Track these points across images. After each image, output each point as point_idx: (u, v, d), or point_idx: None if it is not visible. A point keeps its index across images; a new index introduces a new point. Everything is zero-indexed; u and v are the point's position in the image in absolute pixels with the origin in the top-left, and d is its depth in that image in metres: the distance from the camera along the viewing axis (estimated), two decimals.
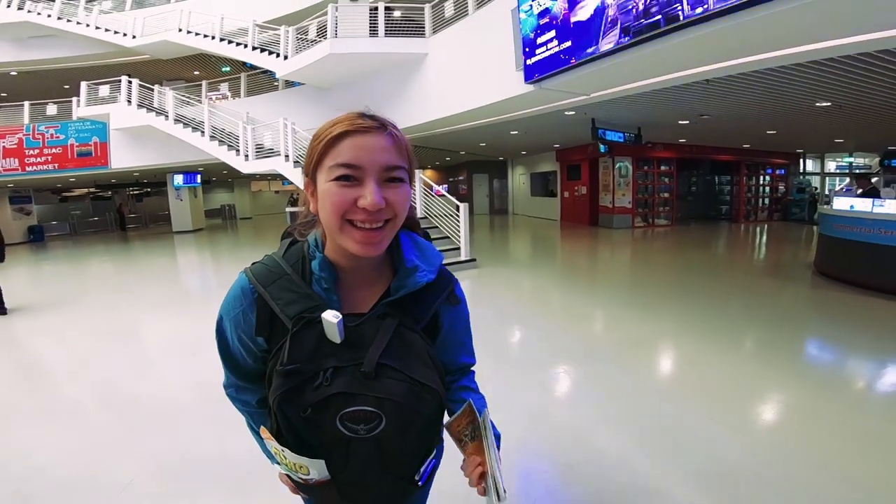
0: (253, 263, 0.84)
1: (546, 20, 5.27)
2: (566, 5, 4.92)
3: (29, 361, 4.39)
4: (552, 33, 5.18)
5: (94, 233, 21.01)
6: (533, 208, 18.21)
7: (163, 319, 5.66)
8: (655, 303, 5.64)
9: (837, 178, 16.80)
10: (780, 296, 5.82)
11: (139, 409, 3.20)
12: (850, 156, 16.24)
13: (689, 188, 16.30)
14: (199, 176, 17.03)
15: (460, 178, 21.20)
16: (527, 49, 5.63)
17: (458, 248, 8.09)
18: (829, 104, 6.80)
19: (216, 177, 22.58)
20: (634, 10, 4.04)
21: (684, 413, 2.93)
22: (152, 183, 23.79)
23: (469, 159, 19.39)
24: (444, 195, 8.86)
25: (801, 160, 16.64)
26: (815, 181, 16.62)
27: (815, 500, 2.08)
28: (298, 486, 0.85)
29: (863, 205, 5.77)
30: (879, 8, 3.00)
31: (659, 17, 3.81)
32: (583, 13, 4.75)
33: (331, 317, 0.72)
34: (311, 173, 0.77)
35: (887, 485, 2.17)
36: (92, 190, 24.23)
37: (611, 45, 4.39)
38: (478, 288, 6.60)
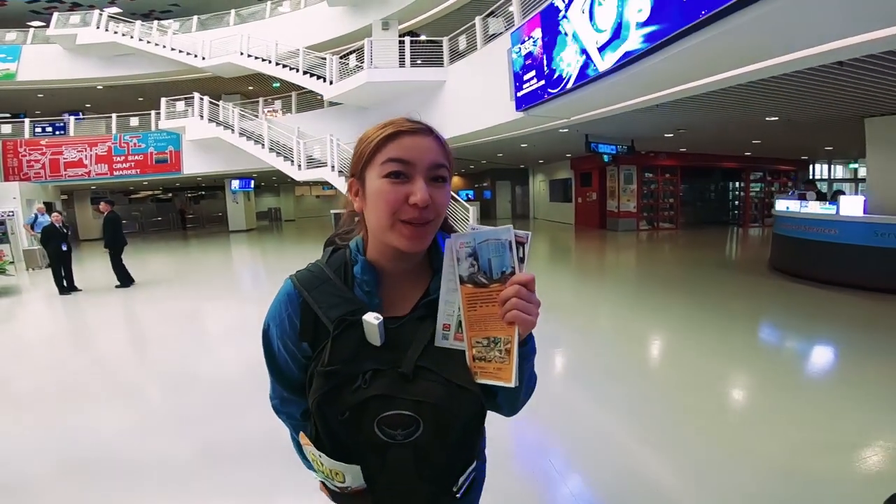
0: (298, 270, 0.85)
1: (529, 61, 6.84)
2: (542, 51, 6.48)
3: (142, 327, 6.32)
4: (533, 72, 6.74)
5: (157, 231, 23.76)
6: (551, 213, 19.58)
7: (240, 302, 7.58)
8: (619, 284, 7.10)
9: (845, 184, 17.44)
10: (728, 285, 7.12)
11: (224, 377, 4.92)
12: (856, 161, 16.89)
13: (698, 194, 17.30)
14: (252, 182, 19.30)
15: (485, 184, 22.80)
16: (516, 83, 7.22)
17: None
18: (777, 118, 8.05)
19: (265, 182, 25.00)
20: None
21: (592, 346, 4.45)
22: (208, 187, 26.49)
23: (492, 167, 20.97)
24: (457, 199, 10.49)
25: (810, 166, 17.38)
26: (824, 187, 17.32)
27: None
28: (333, 496, 0.83)
29: (794, 205, 7.03)
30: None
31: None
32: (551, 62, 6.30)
33: (371, 318, 0.72)
34: (358, 172, 0.78)
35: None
36: (153, 193, 27.13)
37: (570, 85, 5.94)
38: None
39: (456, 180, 23.76)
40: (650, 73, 4.69)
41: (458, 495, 0.81)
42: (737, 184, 16.99)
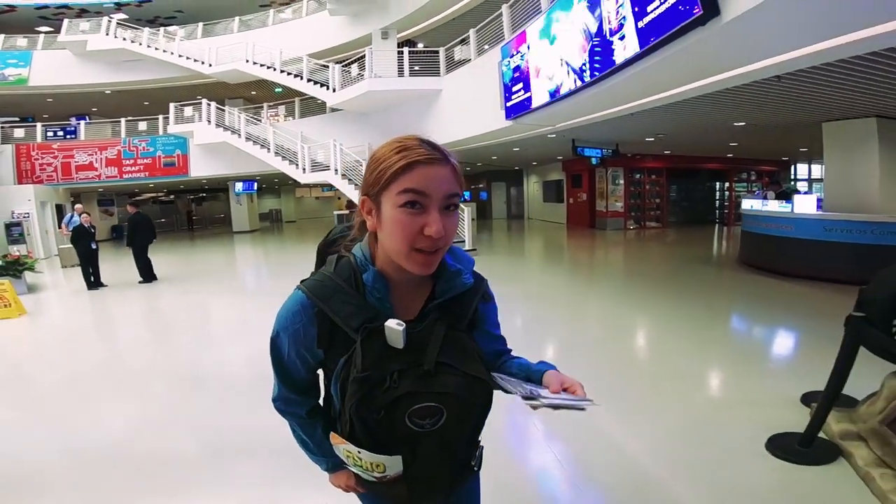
0: (303, 281, 0.91)
1: (517, 74, 7.54)
2: (527, 66, 7.17)
3: (166, 318, 6.98)
4: (521, 84, 7.44)
5: (163, 232, 24.35)
6: (545, 213, 20.29)
7: (257, 295, 8.23)
8: (599, 276, 7.81)
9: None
10: (698, 277, 7.82)
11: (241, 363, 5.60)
12: None
13: (685, 194, 17.99)
14: (255, 184, 19.95)
15: (481, 185, 23.51)
16: (506, 94, 7.91)
17: (464, 241, 10.39)
18: (743, 123, 8.77)
19: (267, 184, 25.63)
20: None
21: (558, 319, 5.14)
22: (210, 189, 27.10)
23: (488, 169, 21.66)
24: None
25: (792, 166, 18.14)
26: (805, 186, 18.08)
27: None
28: (369, 485, 0.94)
29: (757, 204, 7.74)
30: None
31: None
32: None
33: (395, 325, 0.79)
34: (373, 194, 0.82)
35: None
36: (156, 195, 27.72)
37: (547, 99, 6.65)
38: (479, 265, 8.94)
39: None
40: (610, 92, 5.47)
41: (475, 468, 0.98)
42: (722, 184, 17.72)
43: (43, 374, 4.28)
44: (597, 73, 5.26)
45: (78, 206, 12.51)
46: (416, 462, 0.85)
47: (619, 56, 4.77)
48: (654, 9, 4.04)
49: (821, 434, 2.43)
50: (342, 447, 0.87)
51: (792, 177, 18.23)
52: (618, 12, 4.69)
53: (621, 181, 15.02)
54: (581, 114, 7.56)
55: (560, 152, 14.50)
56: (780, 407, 2.98)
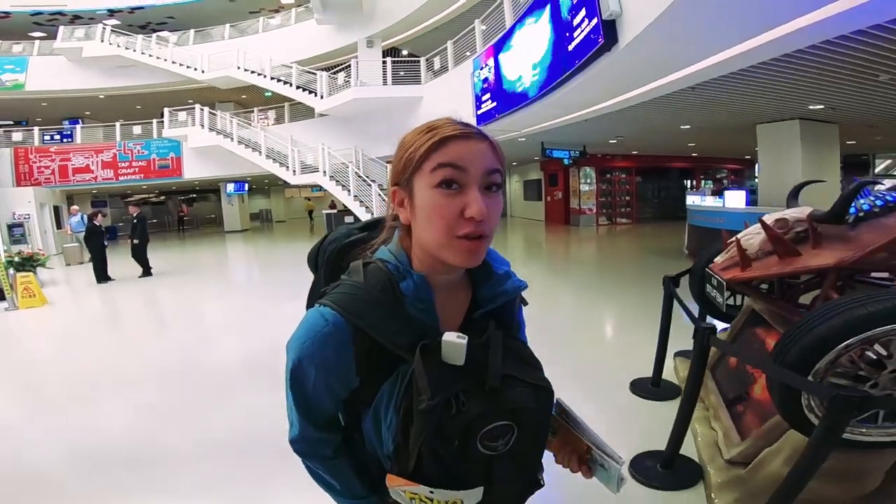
0: (323, 294, 0.76)
1: (486, 85, 8.48)
2: (494, 79, 8.11)
3: (171, 308, 7.82)
4: (489, 95, 8.37)
5: (154, 233, 24.95)
6: (525, 211, 21.30)
7: (251, 287, 9.08)
8: (559, 263, 8.78)
9: None
10: (646, 265, 8.82)
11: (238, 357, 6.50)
12: None
13: (656, 192, 19.07)
14: (246, 185, 20.69)
15: None
16: (477, 103, 8.84)
17: None
18: (689, 126, 9.82)
19: (257, 185, 26.33)
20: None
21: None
22: (201, 190, 27.72)
23: None
24: None
25: (756, 164, 19.30)
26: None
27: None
28: None
29: (697, 200, 8.77)
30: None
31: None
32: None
33: (455, 338, 0.68)
34: (404, 181, 0.73)
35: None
36: (147, 196, 28.26)
37: (507, 109, 7.61)
38: None
39: None
40: (557, 104, 6.47)
41: (542, 483, 0.84)
42: (690, 182, 18.84)
43: (75, 353, 5.11)
44: (541, 90, 6.23)
45: (74, 207, 13.22)
46: (491, 490, 0.74)
47: (553, 77, 5.76)
48: (577, 37, 5.01)
49: (673, 379, 3.36)
50: (405, 489, 0.73)
51: (757, 174, 19.39)
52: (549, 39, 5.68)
53: (593, 180, 16.06)
54: (534, 123, 8.57)
55: (533, 155, 15.49)
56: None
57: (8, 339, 5.79)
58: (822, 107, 7.39)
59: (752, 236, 2.37)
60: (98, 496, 2.41)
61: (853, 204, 2.20)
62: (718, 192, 9.31)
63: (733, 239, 2.49)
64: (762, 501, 1.84)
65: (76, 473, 2.64)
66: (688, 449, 2.41)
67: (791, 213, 2.29)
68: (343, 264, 0.86)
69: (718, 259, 2.58)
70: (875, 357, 1.55)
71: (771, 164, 8.81)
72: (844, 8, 3.11)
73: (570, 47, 5.26)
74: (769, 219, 2.32)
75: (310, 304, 0.86)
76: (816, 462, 1.42)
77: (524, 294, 0.91)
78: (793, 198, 2.69)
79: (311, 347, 0.72)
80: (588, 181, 16.04)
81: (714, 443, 2.46)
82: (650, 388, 3.30)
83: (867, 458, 1.72)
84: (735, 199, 7.87)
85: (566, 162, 14.34)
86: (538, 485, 0.84)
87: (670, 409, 2.74)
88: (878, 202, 2.14)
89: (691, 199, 9.20)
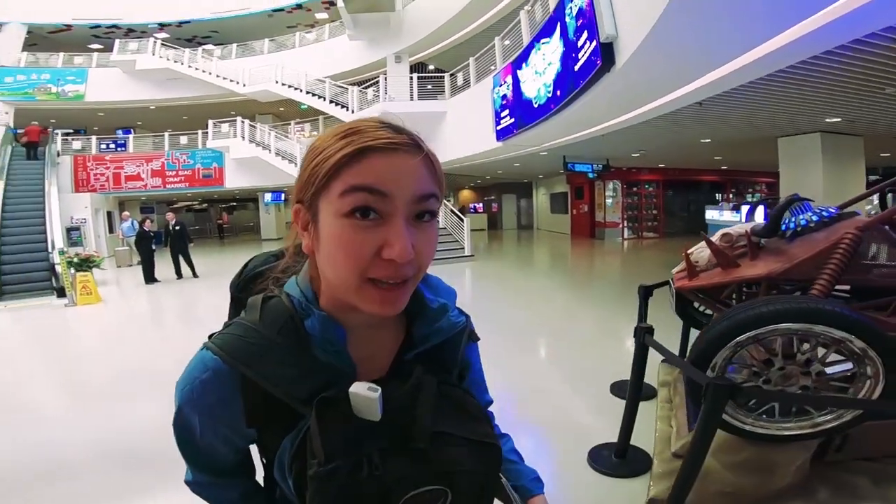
0: (212, 336, 0.63)
1: (504, 101, 8.79)
2: (512, 95, 8.42)
3: (213, 304, 8.44)
4: (507, 111, 8.68)
5: (196, 238, 26.37)
6: (552, 224, 21.37)
7: None
8: (566, 274, 8.94)
9: None
10: (658, 275, 8.85)
11: None
12: None
13: (684, 205, 18.80)
14: (283, 195, 21.65)
15: (491, 197, 24.78)
16: (496, 119, 9.16)
17: (463, 248, 11.67)
18: (709, 140, 9.81)
19: (292, 195, 27.43)
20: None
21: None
22: (241, 199, 29.09)
23: (498, 181, 22.89)
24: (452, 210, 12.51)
25: None
26: None
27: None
28: None
29: (716, 214, 8.77)
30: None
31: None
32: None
33: (365, 390, 0.55)
34: (307, 199, 0.58)
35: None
36: (190, 204, 29.85)
37: (524, 125, 7.89)
38: (473, 269, 10.24)
39: (466, 193, 25.78)
40: (566, 122, 6.74)
41: None
42: (722, 195, 18.49)
43: (125, 347, 5.71)
44: (553, 107, 6.50)
45: (125, 213, 14.28)
46: None
47: (563, 95, 6.03)
48: (581, 57, 5.28)
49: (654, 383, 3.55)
50: None
51: None
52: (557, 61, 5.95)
53: (618, 193, 16.06)
54: (551, 138, 8.81)
55: (555, 168, 15.66)
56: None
57: (68, 332, 6.54)
58: (838, 120, 7.35)
59: (703, 249, 2.59)
60: (126, 485, 2.62)
61: (793, 219, 2.40)
62: (738, 207, 9.27)
63: (686, 252, 2.71)
64: (694, 493, 2.06)
65: (121, 459, 2.89)
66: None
67: (735, 229, 2.50)
68: (241, 303, 0.72)
69: (674, 270, 2.80)
70: (767, 356, 1.76)
71: (792, 178, 8.75)
72: (817, 26, 3.27)
73: (576, 67, 5.53)
74: (717, 235, 2.54)
75: None
76: (705, 443, 1.64)
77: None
78: (753, 214, 2.86)
79: (191, 394, 0.60)
80: (613, 194, 16.05)
81: (668, 438, 2.66)
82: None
83: (774, 452, 1.91)
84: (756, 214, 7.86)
85: (590, 175, 14.44)
86: None
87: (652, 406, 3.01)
88: (815, 218, 2.34)
89: (711, 214, 9.19)
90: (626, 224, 16.36)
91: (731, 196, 17.71)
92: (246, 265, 0.83)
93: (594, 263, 11.45)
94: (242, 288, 0.79)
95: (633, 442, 2.64)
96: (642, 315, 3.39)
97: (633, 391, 2.35)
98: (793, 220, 2.39)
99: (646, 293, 3.39)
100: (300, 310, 0.61)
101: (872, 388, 1.62)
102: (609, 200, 16.00)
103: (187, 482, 0.71)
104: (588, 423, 3.15)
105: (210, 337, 0.63)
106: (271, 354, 0.59)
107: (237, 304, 0.79)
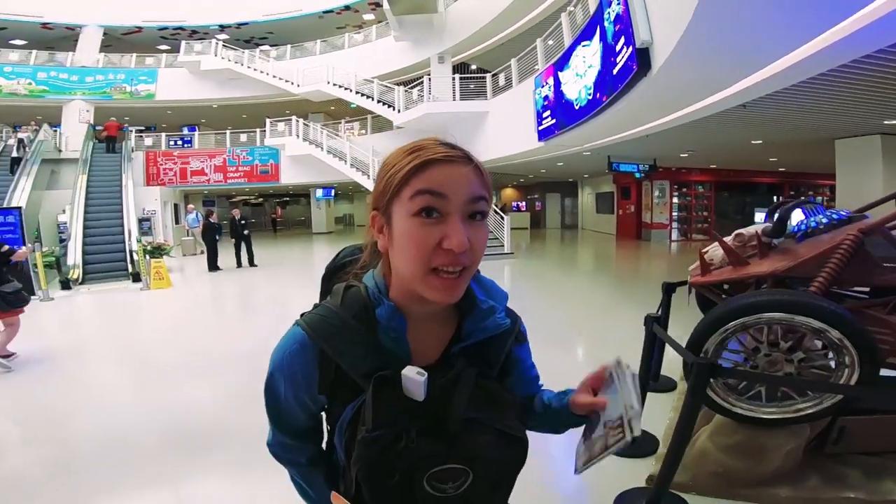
0: (303, 314, 0.78)
1: (546, 102, 8.92)
2: (553, 96, 8.54)
3: (272, 290, 9.10)
4: (549, 112, 8.81)
5: (252, 232, 27.87)
6: (597, 224, 21.10)
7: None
8: (608, 275, 8.98)
9: None
10: None
11: None
12: None
13: (739, 207, 18.03)
14: (333, 191, 22.54)
15: (535, 196, 24.74)
16: (538, 119, 9.30)
17: (503, 245, 11.86)
18: (761, 141, 9.50)
19: (342, 191, 28.47)
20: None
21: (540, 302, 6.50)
22: (294, 194, 30.45)
23: (542, 180, 22.82)
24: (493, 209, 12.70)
25: None
26: None
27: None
28: None
29: (761, 217, 8.54)
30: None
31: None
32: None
33: (415, 374, 0.66)
34: (383, 206, 0.70)
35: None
36: (246, 198, 31.49)
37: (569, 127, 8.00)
38: (512, 266, 10.44)
39: (509, 192, 25.84)
40: (605, 124, 6.85)
41: None
42: (778, 198, 17.69)
43: (195, 327, 6.42)
44: (593, 109, 6.60)
45: (190, 206, 15.43)
46: None
47: (602, 98, 6.14)
48: (618, 62, 5.39)
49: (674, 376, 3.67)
50: None
51: None
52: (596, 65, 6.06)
53: (665, 193, 15.71)
54: (592, 139, 8.86)
55: (605, 167, 15.51)
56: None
57: (144, 313, 7.37)
58: None
59: (718, 249, 2.73)
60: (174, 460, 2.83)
61: (804, 221, 2.52)
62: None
63: (701, 251, 2.86)
64: (690, 472, 2.25)
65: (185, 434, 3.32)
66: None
67: (748, 230, 2.63)
68: (331, 285, 0.87)
69: (690, 268, 2.95)
70: (755, 343, 1.93)
71: (849, 180, 8.39)
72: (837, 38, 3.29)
73: (615, 71, 5.64)
74: (730, 237, 2.68)
75: None
76: (691, 418, 1.84)
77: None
78: (771, 215, 2.96)
79: (282, 362, 0.74)
80: (661, 195, 15.73)
81: None
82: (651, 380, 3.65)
83: (764, 437, 2.07)
84: (798, 217, 7.61)
85: (637, 175, 14.24)
86: None
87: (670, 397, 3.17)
88: (825, 220, 2.45)
89: (759, 216, 8.94)
90: (674, 225, 15.97)
91: (787, 198, 16.91)
92: (340, 252, 0.98)
93: (638, 265, 11.35)
94: (332, 272, 0.95)
95: (644, 428, 2.83)
96: (664, 309, 3.55)
97: (642, 376, 2.54)
98: (804, 222, 2.50)
99: (668, 289, 3.52)
100: (373, 299, 0.73)
101: (849, 377, 1.76)
102: (657, 201, 15.68)
103: (268, 444, 0.85)
104: None
105: (302, 315, 0.77)
106: (345, 334, 0.72)
107: (326, 281, 0.95)
